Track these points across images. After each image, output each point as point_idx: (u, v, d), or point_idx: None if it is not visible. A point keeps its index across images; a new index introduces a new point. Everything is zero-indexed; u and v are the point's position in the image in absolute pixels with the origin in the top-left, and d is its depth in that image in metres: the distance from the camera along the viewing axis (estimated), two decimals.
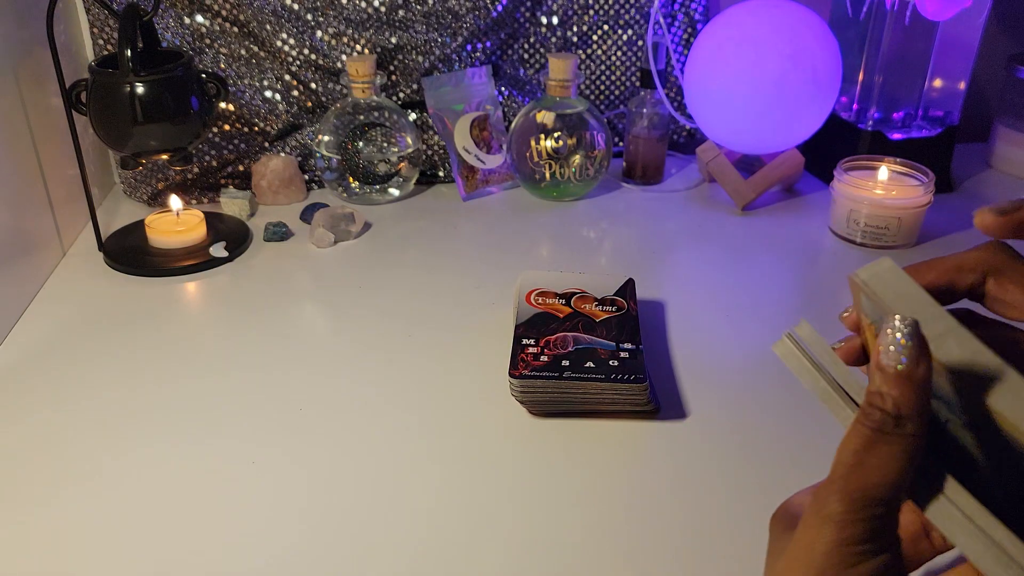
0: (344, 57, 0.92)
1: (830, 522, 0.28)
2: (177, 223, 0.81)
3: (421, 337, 0.67)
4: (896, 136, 0.92)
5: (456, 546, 0.47)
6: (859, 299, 0.31)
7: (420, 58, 0.93)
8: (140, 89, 0.71)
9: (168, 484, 0.52)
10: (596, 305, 0.64)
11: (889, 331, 0.27)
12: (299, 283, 0.76)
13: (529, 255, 0.82)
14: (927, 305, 0.27)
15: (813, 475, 0.31)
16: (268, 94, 0.92)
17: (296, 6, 0.90)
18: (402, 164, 0.91)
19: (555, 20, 0.98)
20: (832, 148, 0.95)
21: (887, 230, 0.81)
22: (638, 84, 0.98)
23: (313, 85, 0.93)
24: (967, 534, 0.28)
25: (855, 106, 0.95)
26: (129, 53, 0.70)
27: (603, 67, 1.01)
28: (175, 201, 0.82)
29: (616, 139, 1.02)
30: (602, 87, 1.02)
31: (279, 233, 0.83)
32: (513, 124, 0.92)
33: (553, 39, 0.99)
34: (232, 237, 0.82)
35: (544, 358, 0.57)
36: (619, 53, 1.01)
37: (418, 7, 0.92)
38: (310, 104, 0.94)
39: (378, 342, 0.67)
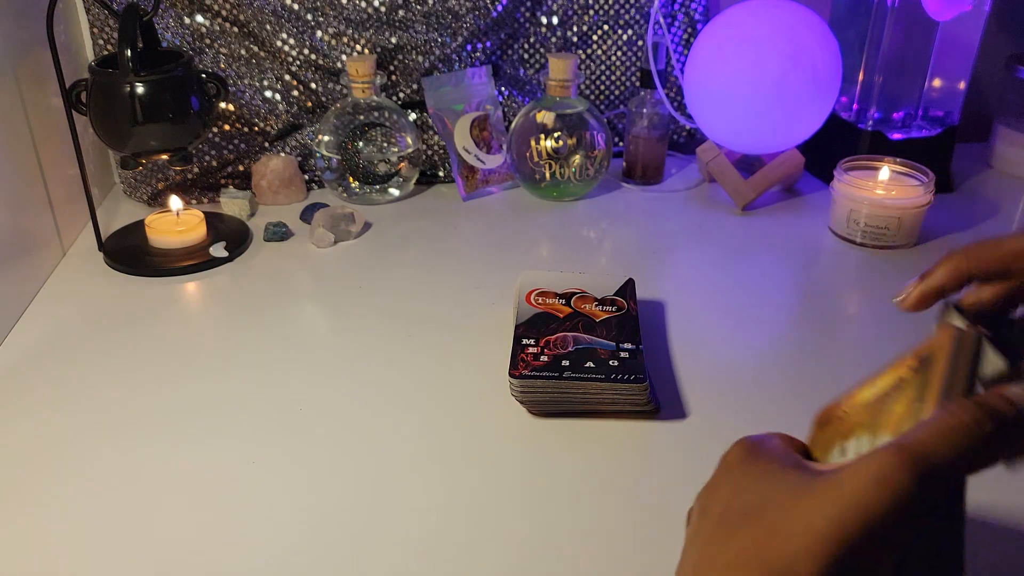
0: (344, 57, 0.92)
1: (899, 492, 0.26)
2: (177, 223, 0.81)
3: (421, 337, 0.67)
4: (896, 136, 0.92)
5: (456, 546, 0.47)
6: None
7: (420, 58, 0.93)
8: (140, 89, 0.71)
9: (168, 484, 0.52)
10: (596, 305, 0.64)
11: None
12: (299, 283, 0.76)
13: (529, 255, 0.82)
14: None
15: None
16: (268, 94, 0.92)
17: (296, 6, 0.90)
18: (402, 164, 0.91)
19: (555, 20, 0.98)
20: (832, 148, 0.95)
21: (887, 230, 0.81)
22: (638, 84, 0.98)
23: (313, 85, 0.93)
24: None
25: (855, 106, 0.95)
26: (129, 53, 0.70)
27: (603, 67, 1.01)
28: (175, 201, 0.82)
29: (616, 139, 1.02)
30: (602, 87, 1.02)
31: (279, 233, 0.83)
32: (513, 124, 0.92)
33: (553, 39, 0.99)
34: (232, 237, 0.82)
35: (544, 358, 0.57)
36: (619, 53, 1.01)
37: (418, 7, 0.92)
38: (310, 104, 0.94)
39: (378, 342, 0.67)
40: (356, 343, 0.67)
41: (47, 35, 0.71)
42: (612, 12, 0.99)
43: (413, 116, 0.95)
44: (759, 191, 0.90)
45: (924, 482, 0.26)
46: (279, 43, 0.90)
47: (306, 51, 0.91)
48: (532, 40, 0.99)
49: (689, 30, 1.01)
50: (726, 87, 0.84)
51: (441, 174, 0.97)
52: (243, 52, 0.91)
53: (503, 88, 0.97)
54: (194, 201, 0.91)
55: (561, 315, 0.62)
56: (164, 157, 0.76)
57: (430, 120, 0.94)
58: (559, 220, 0.89)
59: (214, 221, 0.84)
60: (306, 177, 0.94)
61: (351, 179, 0.91)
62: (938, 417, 0.27)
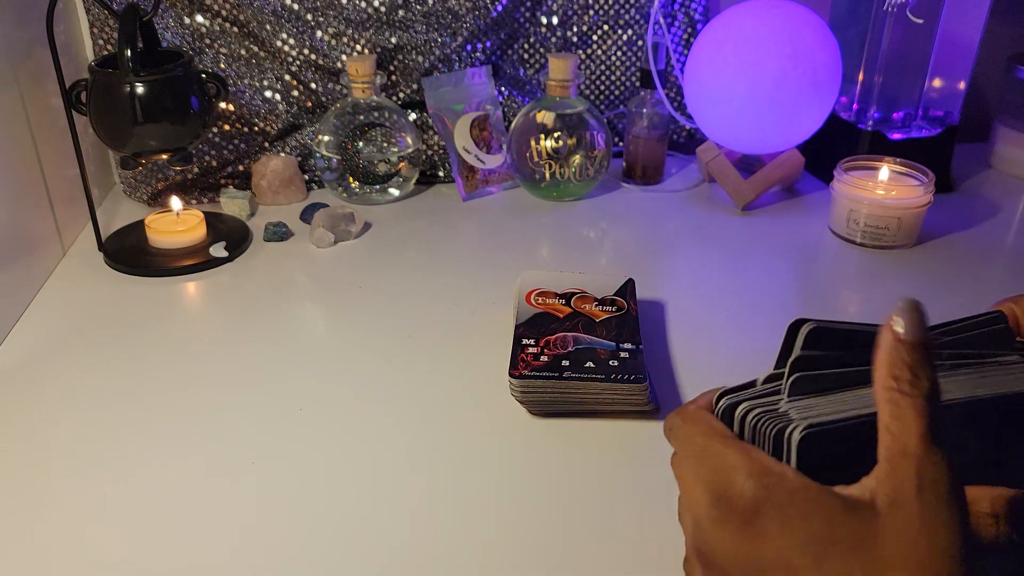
0: (344, 57, 0.92)
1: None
2: (177, 223, 0.81)
3: (421, 337, 0.67)
4: (896, 136, 0.92)
5: (455, 546, 0.47)
6: None
7: (420, 58, 0.93)
8: (140, 89, 0.71)
9: (167, 483, 0.52)
10: (596, 305, 0.64)
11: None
12: (299, 283, 0.76)
13: (529, 255, 0.82)
14: None
15: None
16: (268, 94, 0.92)
17: (296, 6, 0.90)
18: (402, 164, 0.91)
19: (555, 20, 0.98)
20: (832, 148, 0.95)
21: (887, 230, 0.81)
22: (638, 84, 0.98)
23: (313, 85, 0.93)
24: None
25: (855, 106, 0.95)
26: (129, 53, 0.70)
27: (603, 67, 1.01)
28: (175, 201, 0.82)
29: (616, 139, 1.02)
30: (602, 87, 1.02)
31: (279, 233, 0.83)
32: (513, 124, 0.92)
33: (553, 39, 0.99)
34: (232, 237, 0.82)
35: (544, 358, 0.57)
36: (619, 53, 1.01)
37: (418, 7, 0.92)
38: (310, 104, 0.94)
39: (378, 342, 0.67)
40: (356, 343, 0.67)
41: (47, 35, 0.71)
42: (612, 12, 0.99)
43: (413, 116, 0.95)
44: (759, 191, 0.90)
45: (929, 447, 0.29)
46: (279, 43, 0.90)
47: (306, 51, 0.91)
48: (532, 40, 0.99)
49: (689, 30, 1.01)
50: (726, 87, 0.84)
51: (441, 174, 0.97)
52: (243, 52, 0.91)
53: (503, 88, 0.97)
54: (194, 201, 0.91)
55: (561, 315, 0.62)
56: (164, 157, 0.76)
57: (430, 120, 0.94)
58: (559, 220, 0.89)
59: (214, 221, 0.84)
60: (306, 177, 0.94)
61: (351, 179, 0.91)
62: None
